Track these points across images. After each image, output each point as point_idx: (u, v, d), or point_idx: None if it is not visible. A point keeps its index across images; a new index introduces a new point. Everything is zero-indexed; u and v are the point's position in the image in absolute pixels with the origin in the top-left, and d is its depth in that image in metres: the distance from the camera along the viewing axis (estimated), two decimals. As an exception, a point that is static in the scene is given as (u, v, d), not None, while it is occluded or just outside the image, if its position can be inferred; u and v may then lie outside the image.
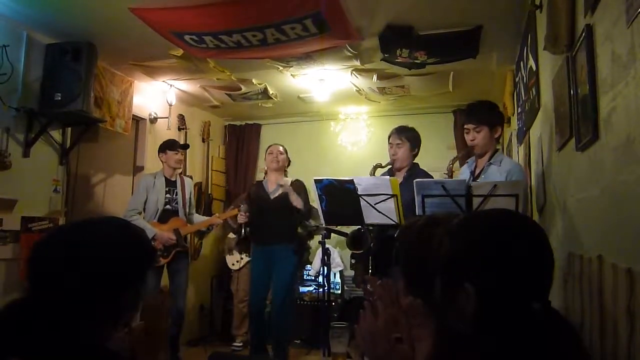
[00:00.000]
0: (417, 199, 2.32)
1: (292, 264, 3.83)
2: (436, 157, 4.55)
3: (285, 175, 4.05)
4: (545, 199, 2.43)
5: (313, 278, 5.09)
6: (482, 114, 2.65)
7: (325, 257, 3.31)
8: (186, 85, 4.68)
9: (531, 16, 2.58)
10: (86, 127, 3.82)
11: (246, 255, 4.86)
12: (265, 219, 3.87)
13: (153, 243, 3.69)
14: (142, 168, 4.63)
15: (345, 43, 3.50)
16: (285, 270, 3.80)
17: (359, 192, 2.69)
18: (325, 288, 3.44)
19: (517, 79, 3.47)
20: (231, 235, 5.08)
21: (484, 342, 0.87)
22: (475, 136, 2.63)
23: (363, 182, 2.72)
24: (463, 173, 2.82)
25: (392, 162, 3.16)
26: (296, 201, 3.77)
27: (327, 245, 3.34)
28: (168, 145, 4.05)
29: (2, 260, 3.17)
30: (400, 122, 3.47)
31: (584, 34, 1.56)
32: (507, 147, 4.36)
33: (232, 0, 2.88)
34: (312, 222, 4.30)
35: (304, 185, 3.92)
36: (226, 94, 4.87)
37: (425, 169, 3.20)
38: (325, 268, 3.34)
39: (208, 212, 5.15)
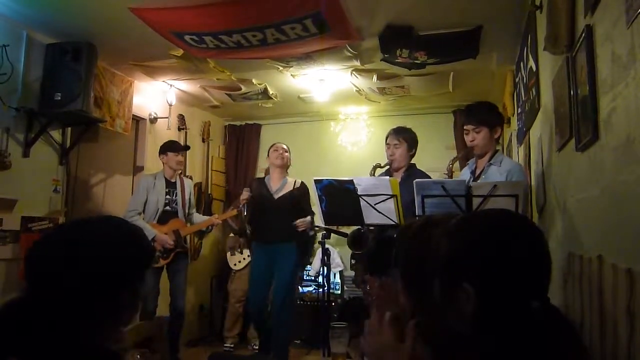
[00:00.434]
0: (417, 200, 2.32)
1: (293, 263, 3.82)
2: (436, 158, 4.55)
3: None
4: (545, 199, 2.42)
5: (313, 278, 5.09)
6: (482, 114, 2.65)
7: (325, 257, 3.31)
8: (186, 85, 4.68)
9: (531, 16, 2.58)
10: (86, 127, 3.82)
11: (248, 255, 4.84)
12: (267, 217, 3.85)
13: (152, 244, 3.68)
14: (142, 168, 4.63)
15: (345, 43, 3.50)
16: (287, 269, 3.79)
17: (359, 193, 2.69)
18: (325, 288, 3.44)
19: (517, 79, 3.47)
20: (232, 235, 5.08)
21: (483, 342, 0.87)
22: (475, 137, 2.63)
23: (363, 182, 2.71)
24: (464, 175, 2.82)
25: (389, 163, 3.16)
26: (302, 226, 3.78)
27: (327, 246, 3.34)
28: (169, 147, 4.04)
29: (2, 260, 3.17)
30: (400, 123, 3.48)
31: (584, 35, 1.56)
32: (507, 148, 4.36)
33: (232, 0, 2.88)
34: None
35: (308, 190, 3.89)
36: (226, 94, 4.86)
37: (423, 169, 3.21)
38: (325, 268, 3.34)
39: (208, 212, 5.15)
